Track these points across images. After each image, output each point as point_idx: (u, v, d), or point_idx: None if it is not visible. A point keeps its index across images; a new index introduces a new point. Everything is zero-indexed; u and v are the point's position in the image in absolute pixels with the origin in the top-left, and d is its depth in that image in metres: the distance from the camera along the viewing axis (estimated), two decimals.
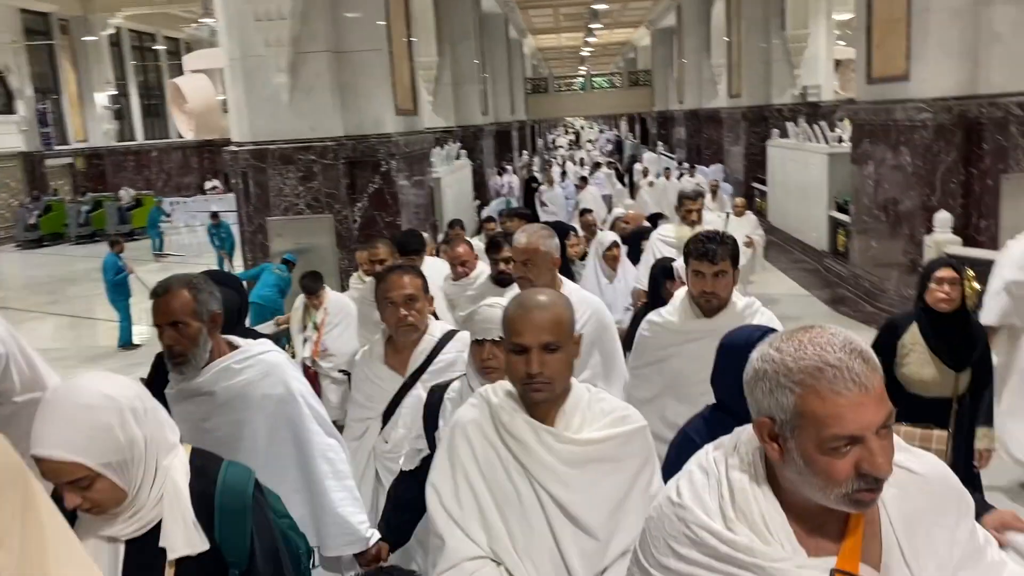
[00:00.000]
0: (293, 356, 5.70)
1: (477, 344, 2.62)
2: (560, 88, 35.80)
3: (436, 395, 2.78)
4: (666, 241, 5.66)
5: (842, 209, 11.61)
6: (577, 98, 35.91)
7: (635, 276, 5.84)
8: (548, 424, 1.97)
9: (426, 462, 2.69)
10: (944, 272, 3.69)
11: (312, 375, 5.59)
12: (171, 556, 1.76)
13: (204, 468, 1.87)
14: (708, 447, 1.56)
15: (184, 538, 1.79)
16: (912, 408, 3.47)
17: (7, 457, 1.19)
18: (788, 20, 16.68)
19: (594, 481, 1.95)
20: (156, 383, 2.86)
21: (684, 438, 2.43)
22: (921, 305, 3.75)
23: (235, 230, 15.21)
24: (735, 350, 2.27)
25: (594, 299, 3.60)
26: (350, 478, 2.81)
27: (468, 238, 6.89)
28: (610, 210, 15.57)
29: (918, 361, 3.66)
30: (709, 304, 3.12)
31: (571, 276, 5.65)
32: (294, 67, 8.21)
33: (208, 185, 25.69)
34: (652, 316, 3.33)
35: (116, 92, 27.33)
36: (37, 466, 1.65)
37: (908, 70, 8.70)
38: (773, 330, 2.32)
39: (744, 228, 9.01)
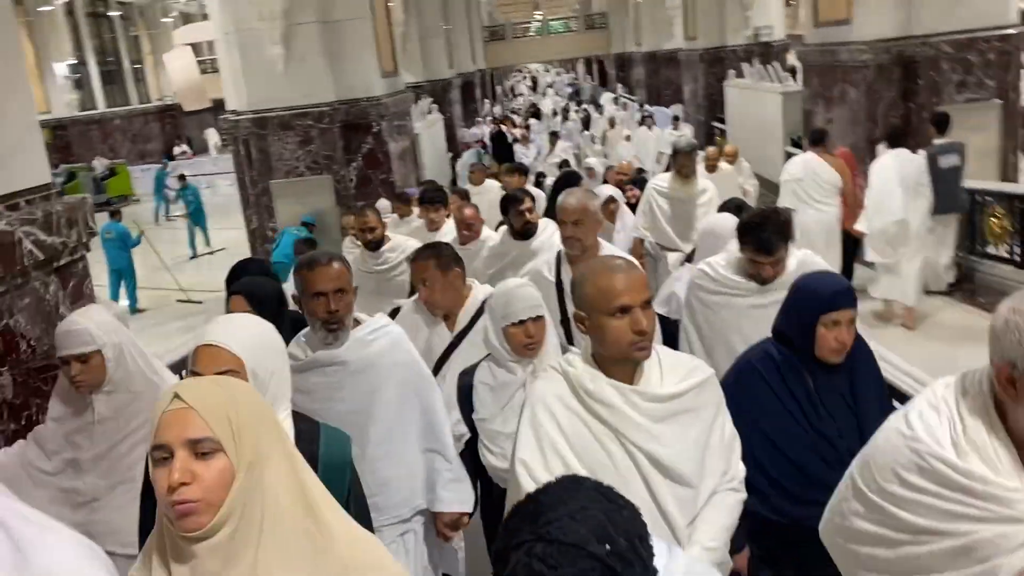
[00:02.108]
0: None
1: (517, 325, 2.68)
2: (517, 34, 35.99)
3: (466, 379, 2.86)
4: (661, 191, 5.86)
5: (796, 144, 12.44)
6: (534, 43, 36.11)
7: (633, 225, 5.91)
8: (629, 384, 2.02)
9: (470, 445, 2.89)
10: None
11: None
12: None
13: (307, 430, 2.03)
14: (935, 387, 1.64)
15: None
16: None
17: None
18: None
19: (681, 432, 2.01)
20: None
21: (747, 367, 2.57)
22: None
23: (204, 193, 15.50)
24: (804, 292, 2.50)
25: (630, 259, 3.60)
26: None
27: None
28: (579, 161, 16.14)
29: None
30: (764, 281, 3.13)
31: None
32: (287, 38, 8.81)
33: (177, 150, 25.85)
34: (704, 267, 3.36)
35: (75, 61, 27.16)
36: (194, 356, 1.89)
37: (850, 15, 9.51)
38: (846, 287, 2.51)
39: (737, 177, 8.68)
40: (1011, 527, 1.45)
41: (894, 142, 7.07)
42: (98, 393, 2.49)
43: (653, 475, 1.99)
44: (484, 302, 3.15)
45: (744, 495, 2.15)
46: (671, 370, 2.06)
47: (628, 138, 15.32)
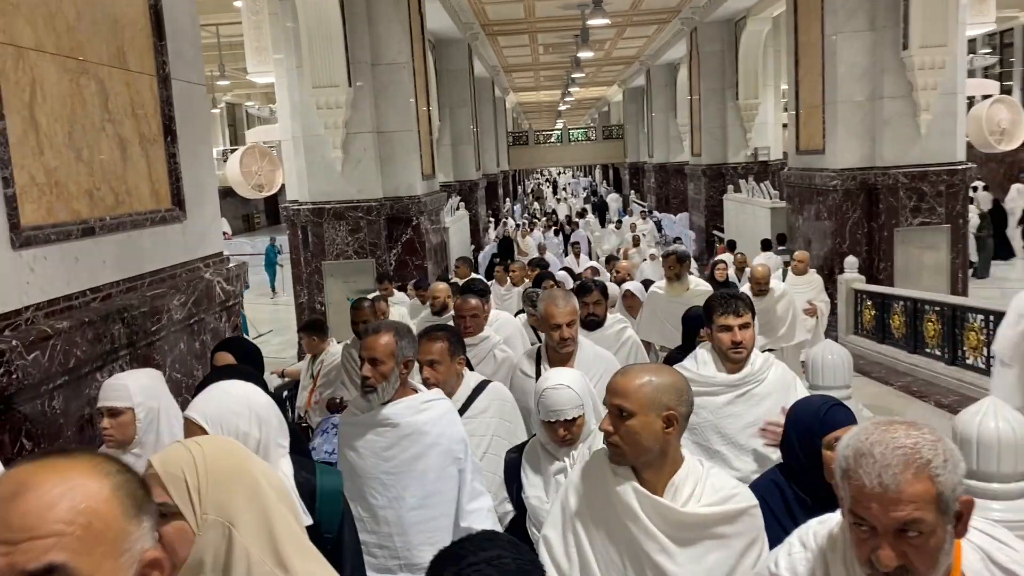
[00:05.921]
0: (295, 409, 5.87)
1: (549, 424, 2.66)
2: (539, 140, 38.27)
3: (513, 457, 2.88)
4: (655, 293, 6.20)
5: (766, 247, 13.98)
6: (555, 149, 38.25)
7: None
8: (657, 494, 1.99)
9: (515, 523, 2.86)
10: None
11: (303, 429, 5.20)
12: None
13: (304, 464, 2.25)
14: (813, 522, 1.69)
15: None
16: None
17: (234, 459, 1.57)
18: (740, 91, 19.21)
19: (699, 556, 1.95)
20: None
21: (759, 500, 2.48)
22: None
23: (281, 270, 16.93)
24: (802, 422, 2.44)
25: (607, 355, 3.82)
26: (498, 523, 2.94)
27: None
28: (591, 255, 17.35)
29: None
30: (738, 355, 3.15)
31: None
32: (346, 144, 10.53)
33: None
34: (687, 363, 3.35)
35: None
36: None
37: (824, 146, 11.18)
38: (839, 402, 2.47)
39: (806, 291, 8.24)
40: None
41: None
42: (126, 454, 2.52)
43: None
44: (475, 388, 3.33)
45: None
46: (711, 491, 2.02)
47: (652, 257, 14.73)
